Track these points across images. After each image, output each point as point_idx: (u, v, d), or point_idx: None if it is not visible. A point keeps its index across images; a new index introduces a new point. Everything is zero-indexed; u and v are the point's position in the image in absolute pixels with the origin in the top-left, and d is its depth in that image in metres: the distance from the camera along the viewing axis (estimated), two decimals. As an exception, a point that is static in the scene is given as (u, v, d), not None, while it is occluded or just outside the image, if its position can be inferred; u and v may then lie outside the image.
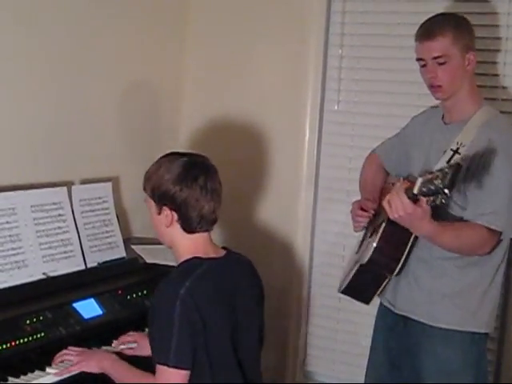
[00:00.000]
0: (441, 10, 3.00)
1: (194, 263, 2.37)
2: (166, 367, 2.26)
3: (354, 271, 2.86)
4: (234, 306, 2.40)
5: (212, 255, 2.43)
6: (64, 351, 2.52)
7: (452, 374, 2.75)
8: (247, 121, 3.88)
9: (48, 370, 2.45)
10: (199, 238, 2.43)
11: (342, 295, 3.63)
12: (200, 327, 2.26)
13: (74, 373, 2.45)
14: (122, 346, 2.72)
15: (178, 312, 2.24)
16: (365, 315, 3.60)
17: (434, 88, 2.75)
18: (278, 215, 3.88)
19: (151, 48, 3.80)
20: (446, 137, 2.73)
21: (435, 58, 2.69)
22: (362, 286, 2.90)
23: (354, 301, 3.00)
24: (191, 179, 2.36)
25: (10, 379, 2.33)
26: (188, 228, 2.40)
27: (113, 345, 2.73)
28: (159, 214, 2.42)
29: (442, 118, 2.84)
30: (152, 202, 2.44)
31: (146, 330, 2.82)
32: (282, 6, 3.80)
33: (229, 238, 2.62)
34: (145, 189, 2.47)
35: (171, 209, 2.38)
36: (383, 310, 2.96)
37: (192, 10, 4.01)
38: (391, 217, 2.53)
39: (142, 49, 3.73)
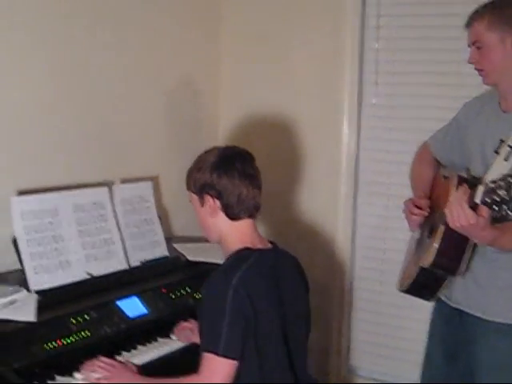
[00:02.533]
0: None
1: (244, 254, 2.38)
2: (214, 356, 2.24)
3: (415, 273, 2.81)
4: (282, 297, 2.39)
5: (259, 246, 2.44)
6: (94, 361, 2.48)
7: (507, 368, 2.69)
8: (285, 117, 3.86)
9: (76, 375, 2.42)
10: (244, 225, 2.45)
11: (384, 290, 3.65)
12: (251, 317, 2.25)
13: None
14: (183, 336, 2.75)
15: (231, 301, 2.23)
16: (408, 308, 3.59)
17: (478, 72, 2.73)
18: (319, 211, 3.86)
19: (190, 48, 3.80)
20: (503, 125, 2.66)
21: (473, 43, 2.69)
22: (424, 285, 2.85)
23: (415, 298, 2.95)
24: (228, 165, 2.41)
25: (58, 378, 2.33)
26: (231, 214, 2.43)
27: (174, 333, 2.75)
28: (202, 205, 2.44)
29: (499, 104, 2.77)
30: (195, 197, 2.47)
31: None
32: (317, 1, 3.78)
33: (269, 235, 2.61)
34: (188, 187, 2.51)
35: (213, 196, 2.41)
36: (440, 303, 2.91)
37: (228, 8, 4.00)
38: (452, 225, 2.49)
39: (181, 49, 3.74)
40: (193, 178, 2.47)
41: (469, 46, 2.74)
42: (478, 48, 2.68)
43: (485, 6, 2.69)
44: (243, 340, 2.26)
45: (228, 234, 2.45)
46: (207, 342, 2.28)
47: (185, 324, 2.79)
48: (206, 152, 2.52)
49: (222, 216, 2.43)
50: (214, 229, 2.47)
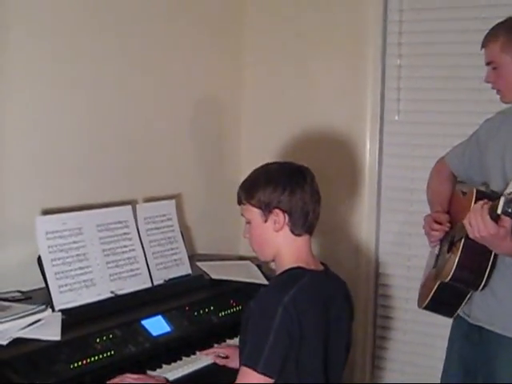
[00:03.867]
0: (502, 15, 2.94)
1: (298, 273, 2.35)
2: (253, 371, 2.21)
3: (434, 288, 2.81)
4: (329, 321, 2.36)
5: (313, 266, 2.41)
6: (123, 376, 2.49)
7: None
8: (307, 133, 3.86)
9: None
10: (303, 242, 2.42)
11: (409, 307, 3.63)
12: (297, 338, 2.23)
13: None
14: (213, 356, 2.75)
15: (279, 319, 2.20)
16: (432, 326, 3.57)
17: (496, 91, 2.76)
18: (342, 227, 3.85)
19: (209, 64, 3.82)
20: None
21: (488, 63, 2.73)
22: (444, 301, 2.84)
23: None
24: (301, 180, 2.38)
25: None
26: (296, 230, 2.39)
27: (205, 353, 2.76)
28: (266, 221, 2.39)
29: None
30: (256, 212, 2.40)
31: (229, 341, 2.89)
32: (339, 17, 3.79)
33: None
34: (245, 200, 2.44)
35: (283, 211, 2.37)
36: (458, 319, 2.89)
37: (251, 24, 4.02)
38: (471, 236, 2.49)
39: (201, 65, 3.76)
40: (259, 192, 2.39)
41: (486, 64, 2.76)
42: (494, 68, 2.70)
43: (499, 27, 2.71)
44: (284, 359, 2.23)
45: (286, 251, 2.40)
46: (248, 356, 2.25)
47: (218, 348, 2.79)
48: (269, 165, 2.47)
49: (285, 232, 2.39)
50: (272, 245, 2.42)
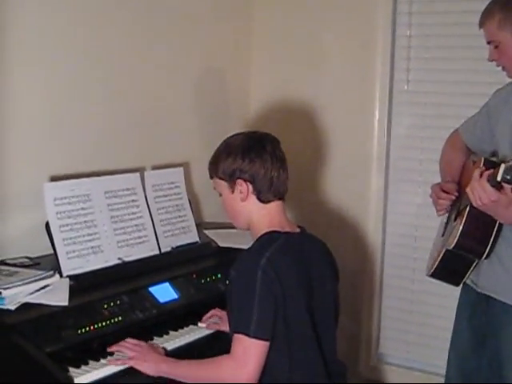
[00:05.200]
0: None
1: (272, 236, 2.39)
2: (245, 337, 2.24)
3: (441, 255, 2.82)
4: (310, 280, 2.39)
5: (288, 229, 2.45)
6: (123, 342, 2.48)
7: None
8: (316, 104, 3.85)
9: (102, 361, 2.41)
10: (274, 208, 2.45)
11: (415, 277, 3.63)
12: (280, 298, 2.26)
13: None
14: (204, 325, 2.74)
15: (260, 282, 2.24)
16: (439, 296, 3.57)
17: (501, 68, 2.76)
18: (349, 198, 3.84)
19: (220, 37, 3.80)
20: None
21: (489, 42, 2.72)
22: (450, 269, 2.85)
23: (444, 283, 2.94)
24: (259, 149, 2.42)
25: (91, 362, 2.34)
26: (263, 197, 2.43)
27: (201, 322, 2.75)
28: (233, 192, 2.45)
29: None
30: (223, 184, 2.47)
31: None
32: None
33: (299, 222, 2.60)
34: (212, 174, 2.51)
35: (245, 181, 2.41)
36: (466, 288, 2.90)
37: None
38: (474, 204, 2.50)
39: (212, 38, 3.74)
40: (221, 165, 2.45)
41: (486, 43, 2.74)
42: (496, 47, 2.70)
43: (493, 5, 2.70)
44: (273, 320, 2.26)
45: (257, 218, 2.45)
46: (237, 323, 2.28)
47: (213, 312, 2.80)
48: (231, 137, 2.52)
49: (252, 200, 2.44)
50: (244, 214, 2.47)
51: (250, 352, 2.25)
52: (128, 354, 2.42)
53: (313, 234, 2.55)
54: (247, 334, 2.24)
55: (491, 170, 2.44)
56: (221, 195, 2.52)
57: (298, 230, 2.50)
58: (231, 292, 2.33)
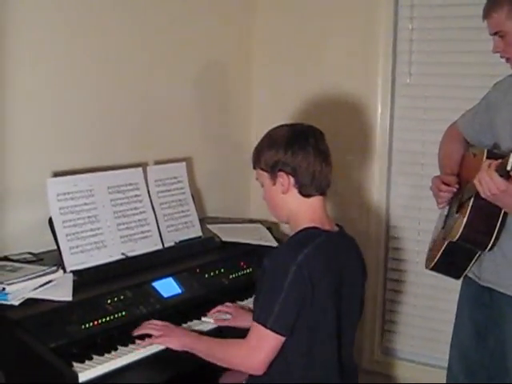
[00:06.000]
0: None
1: (312, 233, 2.37)
2: (262, 327, 2.26)
3: (443, 248, 2.82)
4: (342, 286, 2.38)
5: (327, 227, 2.44)
6: (146, 323, 2.54)
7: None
8: (318, 96, 3.84)
9: (131, 346, 2.46)
10: (316, 203, 2.44)
11: (419, 271, 3.62)
12: (308, 297, 2.26)
13: (157, 349, 2.46)
14: (216, 318, 2.75)
15: (292, 277, 2.24)
16: (442, 289, 3.58)
17: (505, 60, 2.74)
18: (352, 191, 3.85)
19: (221, 29, 3.80)
20: None
21: (495, 33, 2.70)
22: (452, 262, 2.85)
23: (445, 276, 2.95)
24: (303, 142, 2.40)
25: (95, 357, 2.34)
26: (305, 191, 2.42)
27: (208, 315, 2.75)
28: (274, 184, 2.43)
29: None
30: (265, 175, 2.45)
31: (239, 302, 2.90)
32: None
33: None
34: (255, 165, 2.49)
35: (287, 173, 2.40)
36: (468, 281, 2.90)
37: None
38: (483, 195, 2.49)
39: (212, 30, 3.73)
40: (264, 156, 2.44)
41: (491, 35, 2.73)
42: (501, 37, 2.68)
43: None
44: (295, 317, 2.26)
45: (298, 212, 2.43)
46: (259, 312, 2.29)
47: (221, 307, 2.80)
48: (275, 129, 2.50)
49: (294, 193, 2.42)
50: (284, 206, 2.45)
51: (263, 342, 2.28)
52: (154, 334, 2.47)
53: (350, 235, 2.54)
54: (265, 325, 2.25)
55: (500, 160, 2.45)
56: (263, 186, 2.50)
57: (336, 228, 2.50)
58: (262, 281, 2.33)
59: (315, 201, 2.44)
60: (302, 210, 2.43)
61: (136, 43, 3.31)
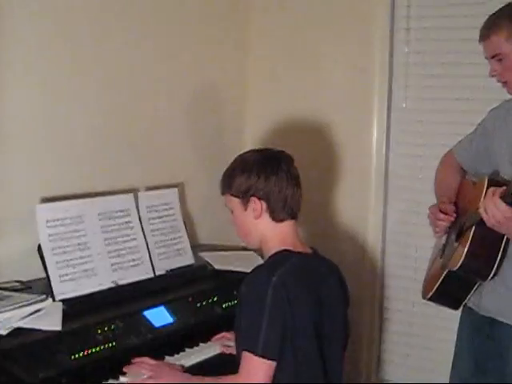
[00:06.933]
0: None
1: (284, 255, 2.40)
2: (253, 355, 2.26)
3: (441, 277, 2.81)
4: (321, 303, 2.40)
5: (300, 249, 2.46)
6: (139, 360, 2.52)
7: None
8: (313, 121, 3.86)
9: (121, 378, 2.45)
10: (287, 227, 2.48)
11: (416, 300, 3.62)
12: (289, 317, 2.27)
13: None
14: (220, 344, 2.77)
15: (270, 299, 2.25)
16: (441, 319, 3.56)
17: (501, 84, 2.75)
18: (348, 217, 3.85)
19: (214, 52, 3.81)
20: None
21: (493, 57, 2.70)
22: (450, 292, 2.85)
23: (441, 307, 2.95)
24: (275, 167, 2.44)
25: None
26: (277, 216, 2.46)
27: (211, 341, 2.78)
28: (246, 209, 2.46)
29: None
30: (235, 201, 2.49)
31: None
32: (346, 3, 3.79)
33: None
34: (225, 191, 2.53)
35: (259, 198, 2.43)
36: (467, 311, 2.89)
37: (256, 13, 4.02)
38: (488, 224, 2.51)
39: (205, 53, 3.75)
40: (236, 181, 2.47)
41: (486, 58, 2.74)
42: (500, 60, 2.68)
43: (499, 18, 2.68)
44: (281, 339, 2.27)
45: (270, 237, 2.47)
46: (245, 340, 2.30)
47: (224, 334, 2.81)
48: (245, 154, 2.54)
49: (265, 218, 2.46)
50: (256, 232, 2.49)
51: (257, 371, 2.27)
52: (148, 374, 2.45)
53: (325, 257, 2.56)
54: (255, 353, 2.25)
55: (504, 188, 2.46)
56: (232, 212, 2.53)
57: (310, 250, 2.52)
58: (240, 308, 2.34)
59: (287, 225, 2.48)
60: (273, 235, 2.47)
61: (128, 67, 3.32)
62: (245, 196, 2.45)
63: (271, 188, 2.42)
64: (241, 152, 2.61)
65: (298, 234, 2.52)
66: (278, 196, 2.43)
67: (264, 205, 2.44)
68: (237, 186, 2.47)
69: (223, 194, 2.54)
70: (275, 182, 2.42)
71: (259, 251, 2.58)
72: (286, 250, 2.42)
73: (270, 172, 2.42)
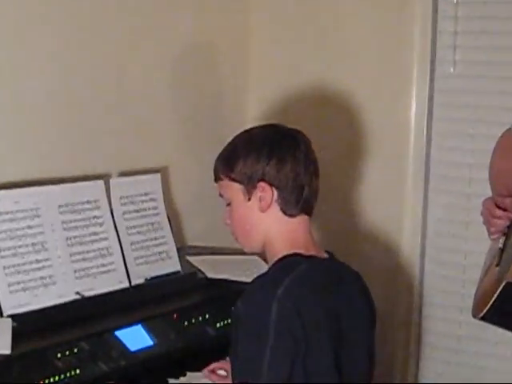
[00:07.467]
0: None
1: (294, 260, 2.39)
2: None
3: (498, 291, 2.82)
4: (339, 321, 2.39)
5: (313, 252, 2.45)
6: None
7: None
8: (333, 96, 3.87)
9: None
10: (299, 224, 2.48)
11: (465, 319, 3.63)
12: (301, 336, 2.25)
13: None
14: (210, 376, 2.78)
15: (275, 317, 2.23)
16: (495, 344, 3.57)
17: None
18: (376, 214, 3.86)
19: (209, 5, 3.83)
20: None
21: None
22: (509, 309, 2.86)
23: (498, 328, 2.96)
24: (292, 148, 2.44)
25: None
26: (289, 210, 2.45)
27: (203, 371, 2.78)
28: (249, 199, 2.45)
29: None
30: (236, 188, 2.47)
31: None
32: None
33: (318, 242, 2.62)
34: (221, 175, 2.51)
35: (270, 185, 2.42)
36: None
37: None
38: None
39: (198, 6, 3.77)
40: (238, 163, 2.45)
41: None
42: None
43: None
44: (291, 365, 2.25)
45: (277, 236, 2.46)
46: (246, 372, 2.29)
47: (217, 364, 2.81)
48: (251, 129, 2.54)
49: (274, 212, 2.45)
50: (259, 229, 2.48)
51: None
52: None
53: (345, 263, 2.56)
54: None
55: None
56: (228, 204, 2.52)
57: (325, 255, 2.51)
58: (237, 331, 2.33)
59: (299, 222, 2.48)
60: (281, 234, 2.47)
61: (97, 24, 3.33)
62: (250, 181, 2.44)
63: (286, 173, 2.41)
64: (242, 129, 2.61)
65: (311, 234, 2.52)
66: (294, 184, 2.41)
67: (275, 193, 2.43)
68: (240, 168, 2.45)
69: (219, 179, 2.52)
70: (291, 166, 2.41)
71: (261, 255, 2.57)
72: (296, 254, 2.41)
73: (285, 152, 2.41)
